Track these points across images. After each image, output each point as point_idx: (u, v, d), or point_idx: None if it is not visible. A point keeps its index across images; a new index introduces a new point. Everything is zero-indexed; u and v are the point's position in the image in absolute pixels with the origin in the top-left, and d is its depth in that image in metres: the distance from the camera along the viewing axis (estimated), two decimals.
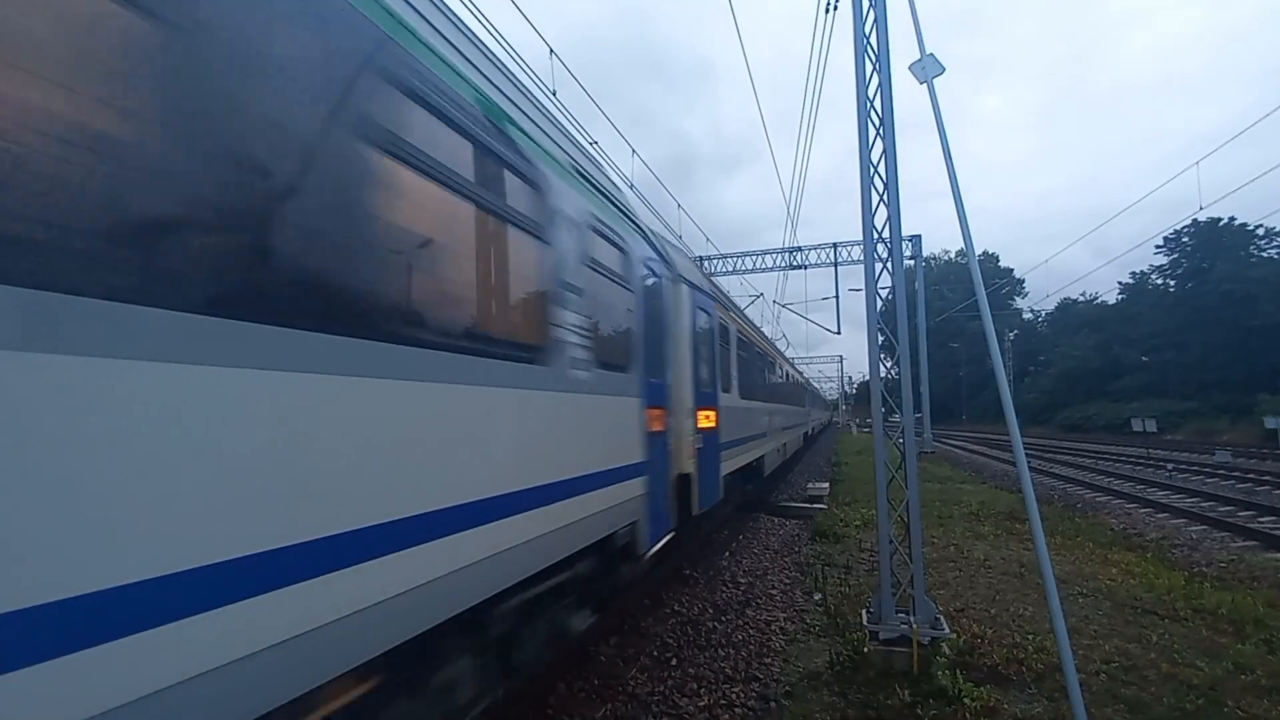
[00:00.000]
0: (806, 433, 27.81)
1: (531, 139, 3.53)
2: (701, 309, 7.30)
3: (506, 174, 3.23)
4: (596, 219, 4.44)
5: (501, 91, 3.32)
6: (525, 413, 3.27)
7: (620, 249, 4.95)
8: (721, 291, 10.31)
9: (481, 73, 3.16)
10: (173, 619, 1.51)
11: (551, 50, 8.72)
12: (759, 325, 18.18)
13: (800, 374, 29.46)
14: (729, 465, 8.46)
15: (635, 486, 4.93)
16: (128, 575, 1.41)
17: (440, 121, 2.67)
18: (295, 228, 1.97)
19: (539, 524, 3.32)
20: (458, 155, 2.78)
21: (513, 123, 3.33)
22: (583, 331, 4.03)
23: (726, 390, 8.79)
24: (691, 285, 6.92)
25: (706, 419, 7.06)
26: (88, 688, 1.33)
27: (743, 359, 10.62)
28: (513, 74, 3.73)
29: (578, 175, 4.25)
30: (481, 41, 3.38)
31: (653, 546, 5.40)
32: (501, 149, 3.14)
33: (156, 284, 1.54)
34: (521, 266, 3.40)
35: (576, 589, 4.17)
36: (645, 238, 5.81)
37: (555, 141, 4.02)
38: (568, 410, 3.80)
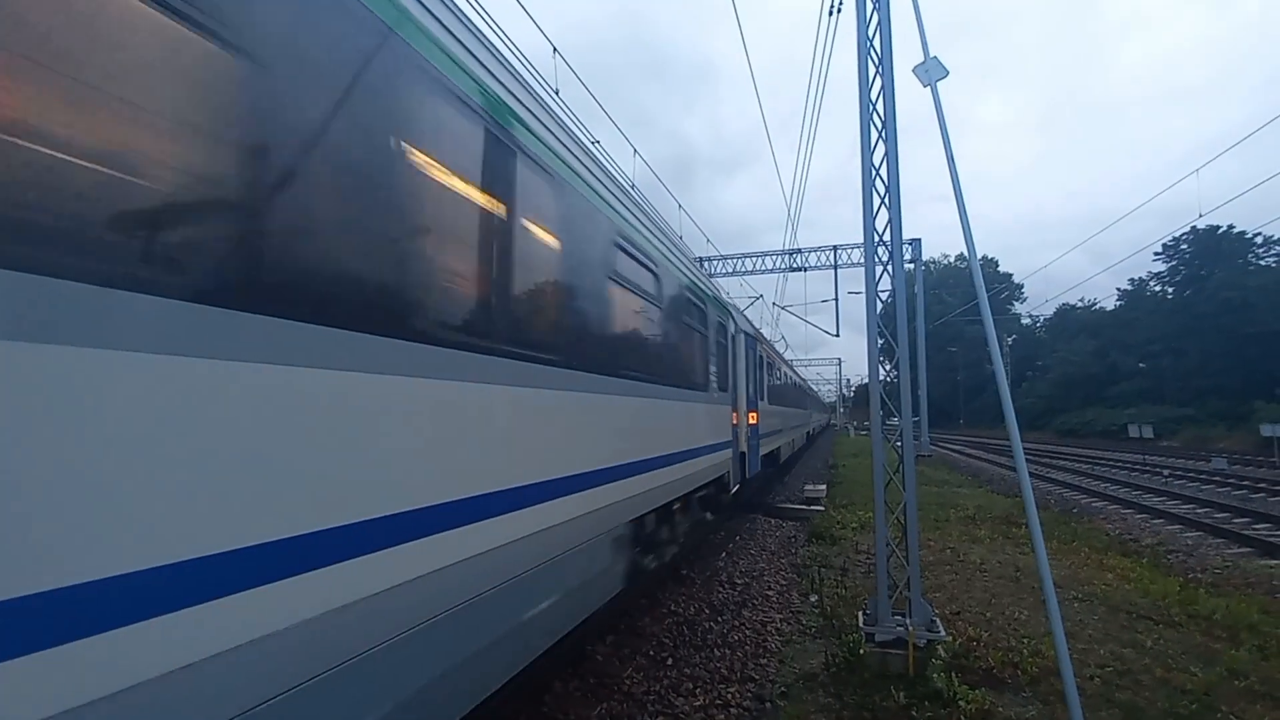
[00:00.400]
0: (809, 432, 31.96)
1: (715, 304, 8.35)
2: (749, 347, 11.10)
3: (705, 315, 7.54)
4: (720, 320, 8.66)
5: (719, 302, 8.57)
6: (705, 414, 7.20)
7: (724, 327, 9.05)
8: (761, 334, 14.67)
9: (725, 305, 9.50)
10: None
11: (555, 49, 8.71)
12: (759, 327, 19.23)
13: (804, 381, 34.07)
14: (763, 449, 12.21)
15: (728, 452, 8.53)
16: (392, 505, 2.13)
17: (698, 318, 7.21)
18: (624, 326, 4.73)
19: (705, 463, 7.04)
20: (709, 330, 7.72)
21: (717, 306, 8.51)
22: (715, 372, 7.96)
23: (761, 399, 12.47)
24: (746, 334, 10.84)
25: (752, 417, 10.68)
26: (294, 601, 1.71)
27: (768, 376, 14.61)
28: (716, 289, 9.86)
29: (720, 303, 8.92)
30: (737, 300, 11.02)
31: (733, 489, 9.07)
32: (709, 316, 7.83)
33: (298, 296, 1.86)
34: (700, 348, 7.26)
35: (709, 500, 8.11)
36: (729, 313, 9.74)
37: (716, 292, 9.25)
38: (712, 412, 7.69)
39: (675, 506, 6.14)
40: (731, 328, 9.66)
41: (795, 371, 28.40)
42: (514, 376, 2.99)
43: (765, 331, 24.36)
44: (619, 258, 4.60)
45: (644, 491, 4.88)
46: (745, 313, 14.21)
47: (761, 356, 13.14)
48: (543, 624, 3.25)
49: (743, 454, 9.69)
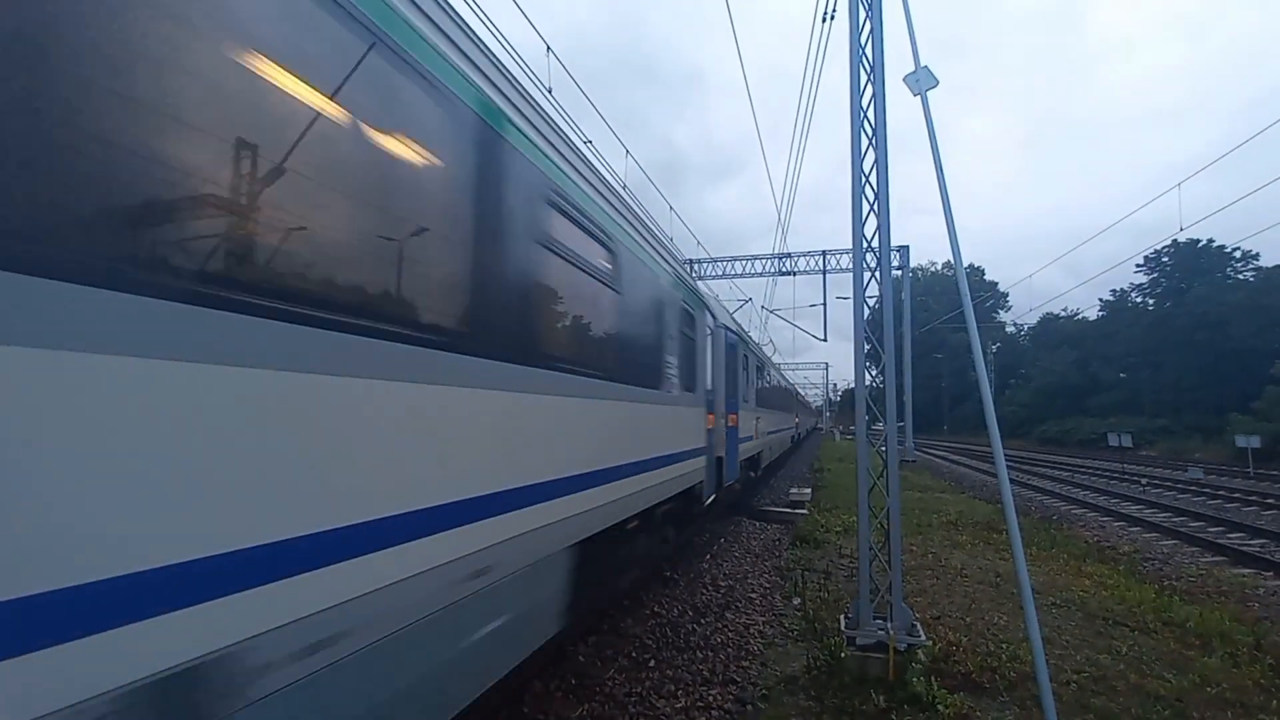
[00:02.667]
0: (807, 429, 42.67)
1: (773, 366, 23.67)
2: (796, 394, 27.85)
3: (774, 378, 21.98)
4: (787, 382, 26.10)
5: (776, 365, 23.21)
6: (786, 419, 22.61)
7: (786, 382, 25.77)
8: (794, 386, 29.54)
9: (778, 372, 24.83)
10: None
11: (549, 47, 8.69)
12: (749, 331, 21.08)
13: (797, 390, 39.26)
14: (799, 429, 29.70)
15: (791, 431, 24.15)
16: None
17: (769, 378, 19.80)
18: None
19: (796, 429, 28.77)
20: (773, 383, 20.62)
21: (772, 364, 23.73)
22: (775, 394, 18.99)
23: (799, 415, 24.96)
24: (790, 386, 24.86)
25: (807, 421, 34.73)
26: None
27: (796, 402, 23.80)
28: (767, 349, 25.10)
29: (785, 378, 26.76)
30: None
31: (797, 438, 29.96)
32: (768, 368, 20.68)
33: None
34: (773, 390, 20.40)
35: (798, 438, 30.88)
36: (787, 383, 25.56)
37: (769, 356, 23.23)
38: (786, 419, 21.95)
39: (797, 438, 26.09)
40: (745, 348, 11.40)
41: (797, 391, 36.33)
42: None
43: (755, 335, 25.04)
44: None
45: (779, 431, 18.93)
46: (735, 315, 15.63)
47: (796, 396, 21.36)
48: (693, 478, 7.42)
49: (798, 433, 25.43)
